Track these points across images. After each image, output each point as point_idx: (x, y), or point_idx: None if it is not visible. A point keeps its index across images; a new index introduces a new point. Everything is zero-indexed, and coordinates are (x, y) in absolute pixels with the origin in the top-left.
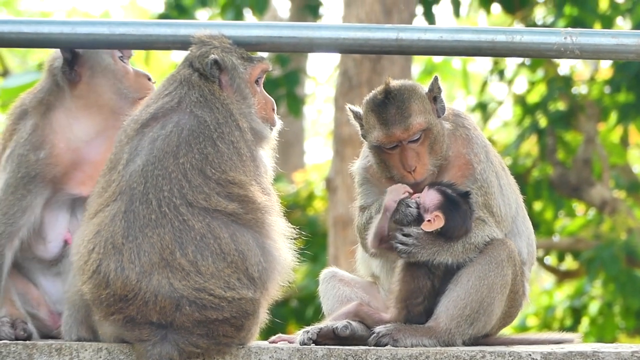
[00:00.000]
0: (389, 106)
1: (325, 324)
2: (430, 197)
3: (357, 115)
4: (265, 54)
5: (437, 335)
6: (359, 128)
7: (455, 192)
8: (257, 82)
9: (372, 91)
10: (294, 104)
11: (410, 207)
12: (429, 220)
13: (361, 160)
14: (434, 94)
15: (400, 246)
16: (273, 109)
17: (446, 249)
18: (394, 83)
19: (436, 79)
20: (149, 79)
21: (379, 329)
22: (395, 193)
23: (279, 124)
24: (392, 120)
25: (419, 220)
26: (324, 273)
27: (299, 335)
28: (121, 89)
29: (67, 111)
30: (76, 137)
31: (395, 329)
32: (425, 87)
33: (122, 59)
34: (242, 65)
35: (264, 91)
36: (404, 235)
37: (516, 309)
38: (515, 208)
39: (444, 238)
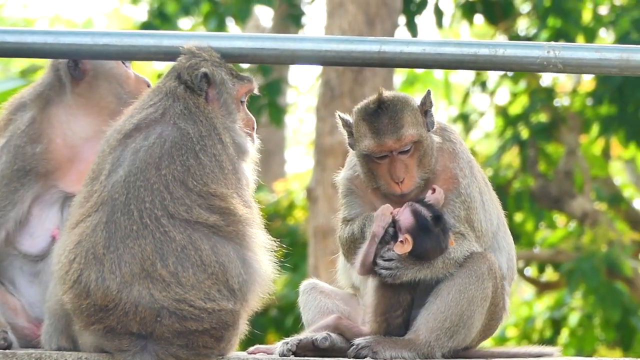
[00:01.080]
0: (382, 116)
1: (304, 335)
2: (404, 217)
3: (346, 123)
4: (252, 74)
5: (416, 348)
6: (346, 136)
7: (430, 213)
8: (241, 100)
9: (364, 100)
10: (275, 114)
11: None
12: (400, 241)
13: (346, 170)
14: (426, 108)
15: (383, 272)
16: (253, 128)
17: (426, 266)
18: (387, 93)
19: (429, 93)
20: (149, 86)
21: (358, 341)
22: (383, 219)
23: (257, 142)
24: (384, 130)
25: (395, 237)
26: (305, 284)
27: (278, 346)
28: (121, 93)
29: (67, 107)
30: (74, 134)
31: (375, 341)
32: (417, 100)
33: (124, 62)
34: (230, 81)
35: (247, 110)
36: (386, 260)
37: (496, 322)
38: (497, 223)
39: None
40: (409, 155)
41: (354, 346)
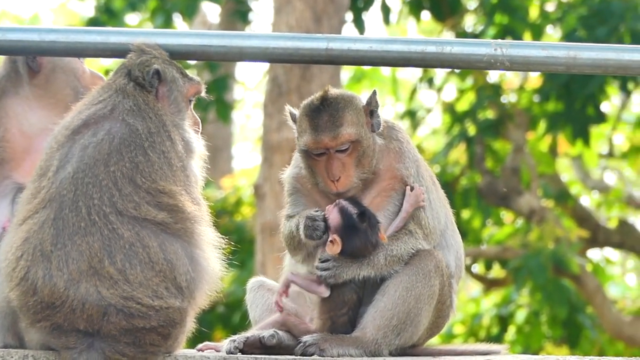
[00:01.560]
0: (323, 112)
1: (252, 332)
2: (332, 217)
3: (293, 118)
4: (199, 71)
5: (363, 346)
6: (295, 131)
7: (356, 209)
8: (190, 100)
9: (310, 97)
10: (222, 110)
11: (317, 220)
12: (330, 242)
13: (292, 168)
14: (371, 108)
15: (323, 273)
16: (199, 130)
17: (367, 263)
18: (333, 91)
19: (374, 93)
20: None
21: (305, 338)
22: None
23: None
24: (322, 127)
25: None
26: (252, 282)
27: (225, 344)
28: (77, 87)
29: (24, 99)
30: (30, 125)
31: (322, 339)
32: (363, 99)
33: (79, 58)
34: (181, 79)
35: (193, 111)
36: (323, 262)
37: (443, 320)
38: (445, 222)
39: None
40: (347, 154)
41: (301, 344)
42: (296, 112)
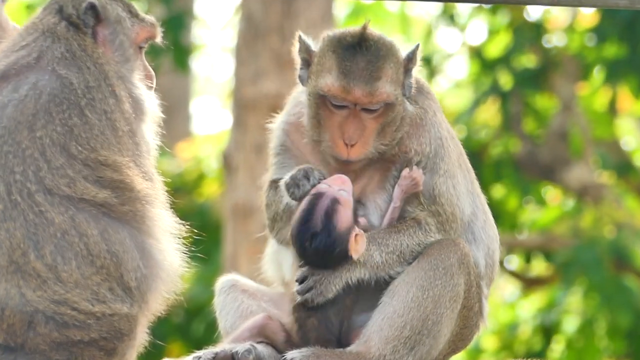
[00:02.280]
0: (359, 56)
1: (222, 347)
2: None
3: (306, 48)
4: (151, 9)
5: None
6: (299, 65)
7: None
8: (141, 47)
9: (340, 29)
10: (179, 56)
11: (309, 179)
12: (356, 236)
13: (284, 115)
14: (410, 66)
15: (307, 296)
16: (153, 85)
17: (357, 266)
18: (373, 31)
19: (417, 47)
20: None
21: (292, 354)
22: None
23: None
24: (356, 75)
25: None
26: (222, 282)
27: None
28: None
29: None
30: None
31: (313, 355)
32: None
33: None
34: (129, 20)
35: (145, 61)
36: (301, 282)
37: (470, 331)
38: (473, 212)
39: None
40: (374, 117)
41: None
42: (310, 41)
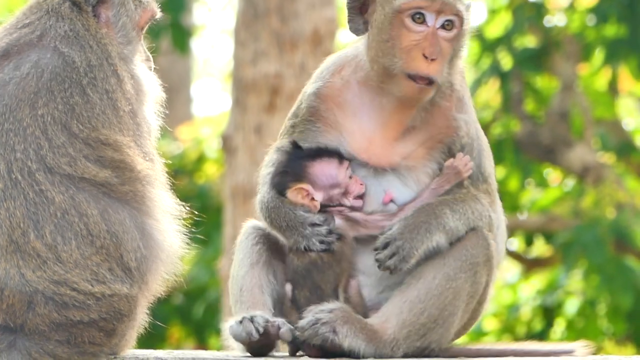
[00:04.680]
0: None
1: (268, 316)
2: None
3: None
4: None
5: (378, 344)
6: (349, 17)
7: None
8: (142, 28)
9: None
10: (179, 37)
11: (320, 225)
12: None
13: (318, 82)
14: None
15: (390, 262)
16: (150, 69)
17: (437, 229)
18: None
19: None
20: None
21: (319, 314)
22: None
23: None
24: None
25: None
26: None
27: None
28: None
29: None
30: None
31: (342, 319)
32: None
33: None
34: (133, 2)
35: (144, 45)
36: (384, 247)
37: (474, 320)
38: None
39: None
40: (449, 38)
41: (312, 319)
42: None
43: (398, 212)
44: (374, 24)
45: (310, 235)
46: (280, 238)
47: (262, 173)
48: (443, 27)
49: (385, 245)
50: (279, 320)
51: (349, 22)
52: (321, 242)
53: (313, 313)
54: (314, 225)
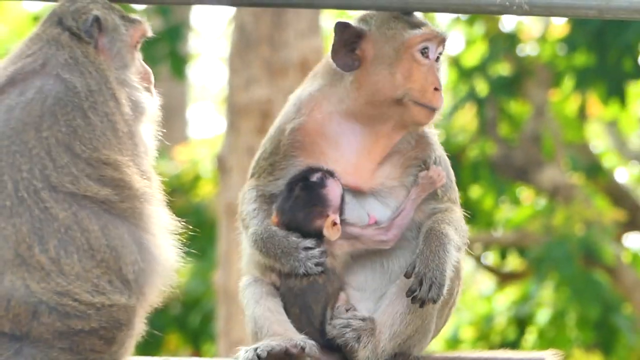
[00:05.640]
0: (414, 15)
1: (277, 341)
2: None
3: (357, 32)
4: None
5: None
6: (340, 54)
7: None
8: (135, 46)
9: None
10: (176, 64)
11: (314, 250)
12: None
13: (298, 118)
14: None
15: (430, 294)
16: (151, 81)
17: (452, 247)
18: None
19: None
20: None
21: (352, 320)
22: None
23: (157, 99)
24: (425, 23)
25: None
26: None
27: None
28: None
29: None
30: None
31: (370, 331)
32: None
33: None
34: (123, 26)
35: (142, 60)
36: (420, 283)
37: (445, 324)
38: None
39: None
40: (439, 67)
41: (344, 322)
42: (356, 24)
43: (390, 225)
44: (371, 60)
45: (305, 259)
46: (277, 266)
47: (247, 209)
48: (437, 58)
49: (420, 283)
50: (299, 338)
51: (338, 59)
52: (316, 264)
53: (347, 317)
54: (307, 249)
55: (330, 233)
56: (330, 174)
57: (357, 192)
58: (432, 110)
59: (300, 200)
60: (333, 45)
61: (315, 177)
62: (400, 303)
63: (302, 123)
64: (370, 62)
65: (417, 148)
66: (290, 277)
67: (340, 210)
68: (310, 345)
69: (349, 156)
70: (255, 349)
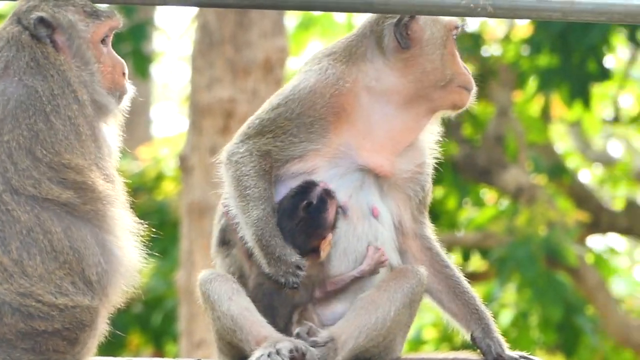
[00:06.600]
0: None
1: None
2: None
3: (406, 25)
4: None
5: None
6: (398, 35)
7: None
8: (103, 41)
9: None
10: (140, 63)
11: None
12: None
13: (336, 84)
14: None
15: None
16: (123, 73)
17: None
18: None
19: None
20: None
21: (314, 346)
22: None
23: (130, 91)
24: None
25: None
26: (207, 273)
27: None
28: None
29: None
30: None
31: (333, 350)
32: None
33: None
34: (82, 22)
35: (113, 52)
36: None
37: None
38: None
39: None
40: None
41: (329, 337)
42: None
43: (341, 279)
44: (424, 42)
45: (292, 275)
46: (263, 262)
47: (247, 185)
48: None
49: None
50: (299, 344)
51: (402, 38)
52: (294, 282)
53: (332, 331)
54: (298, 268)
55: (325, 251)
56: (328, 193)
57: (370, 176)
58: (470, 92)
59: (304, 223)
60: (398, 27)
61: (317, 199)
62: (368, 315)
63: (343, 91)
64: (422, 44)
65: (427, 145)
66: (265, 275)
67: (334, 225)
68: (311, 353)
69: (377, 132)
70: (278, 352)
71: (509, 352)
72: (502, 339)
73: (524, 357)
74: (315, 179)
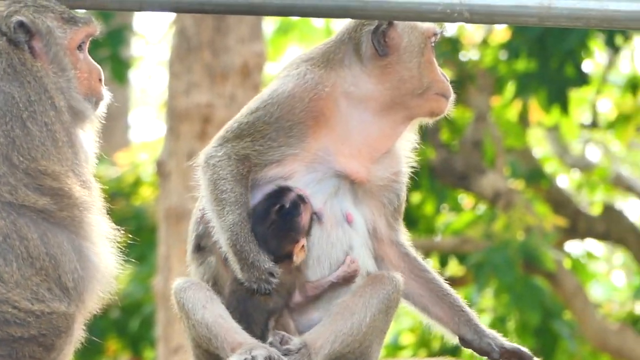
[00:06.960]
0: None
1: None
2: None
3: (384, 32)
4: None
5: None
6: (373, 42)
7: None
8: (80, 47)
9: None
10: (118, 68)
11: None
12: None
13: (314, 89)
14: None
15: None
16: (100, 80)
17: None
18: None
19: None
20: None
21: (308, 337)
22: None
23: (107, 97)
24: None
25: None
26: (182, 281)
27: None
28: None
29: None
30: None
31: (307, 356)
32: None
33: None
34: (60, 29)
35: (89, 58)
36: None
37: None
38: None
39: None
40: None
41: (301, 344)
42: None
43: (317, 285)
44: (397, 49)
45: (264, 282)
46: (236, 267)
47: (224, 189)
48: None
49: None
50: (273, 352)
51: (379, 46)
52: (266, 289)
53: (306, 337)
54: (271, 275)
55: (298, 256)
56: (302, 198)
57: (346, 182)
58: (448, 99)
59: (275, 226)
60: (376, 35)
61: (289, 203)
62: (344, 321)
63: (322, 95)
64: (400, 52)
65: (403, 153)
66: (239, 281)
67: (308, 231)
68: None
69: (355, 138)
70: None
71: (507, 342)
72: (494, 332)
73: (519, 349)
74: (292, 184)
